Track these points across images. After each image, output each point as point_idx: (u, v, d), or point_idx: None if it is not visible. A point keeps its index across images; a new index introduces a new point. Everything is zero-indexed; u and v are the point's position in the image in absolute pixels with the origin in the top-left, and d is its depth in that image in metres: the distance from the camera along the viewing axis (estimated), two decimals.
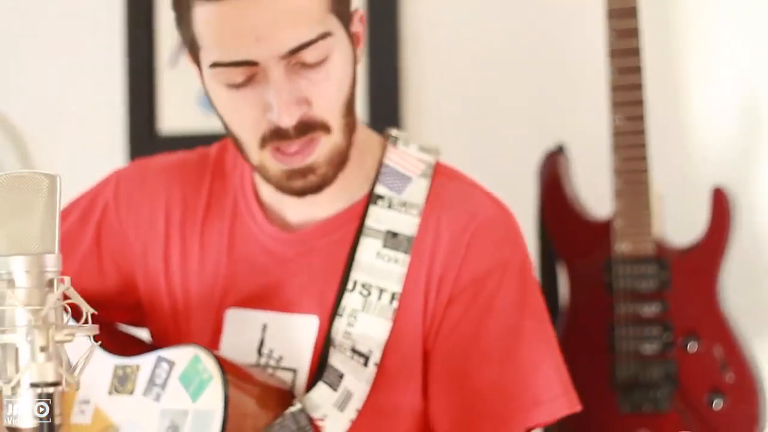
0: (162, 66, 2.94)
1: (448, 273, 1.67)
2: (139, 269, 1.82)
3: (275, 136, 1.60)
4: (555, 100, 2.56)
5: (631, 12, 2.28)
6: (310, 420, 1.64)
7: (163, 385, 1.64)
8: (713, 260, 2.28)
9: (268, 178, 1.66)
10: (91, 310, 1.23)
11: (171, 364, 1.64)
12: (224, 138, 1.81)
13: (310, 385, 1.67)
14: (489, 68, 2.60)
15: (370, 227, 1.69)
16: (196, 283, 1.76)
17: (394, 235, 1.68)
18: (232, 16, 1.58)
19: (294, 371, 1.69)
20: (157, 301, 1.81)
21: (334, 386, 1.64)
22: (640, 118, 2.29)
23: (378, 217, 1.70)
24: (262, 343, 1.71)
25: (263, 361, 1.70)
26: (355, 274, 1.68)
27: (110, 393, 1.70)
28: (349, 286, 1.67)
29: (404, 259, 1.67)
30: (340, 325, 1.66)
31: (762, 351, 2.34)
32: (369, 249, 1.68)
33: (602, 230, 2.35)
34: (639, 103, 2.29)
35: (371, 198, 1.71)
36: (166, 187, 1.81)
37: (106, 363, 1.74)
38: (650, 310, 2.31)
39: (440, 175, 1.73)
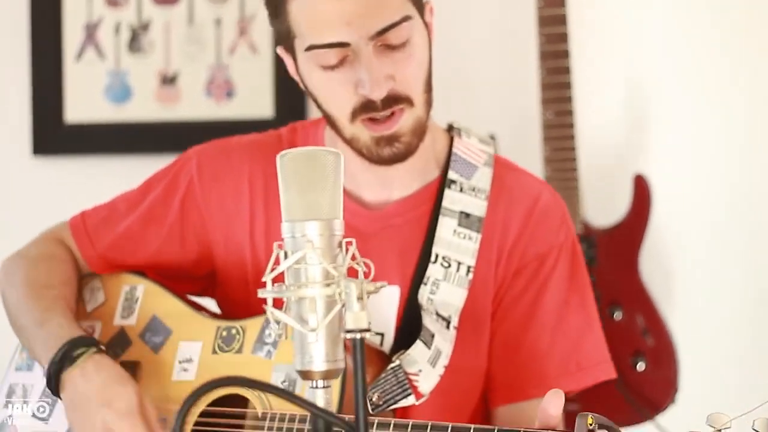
0: (68, 59, 3.00)
1: (516, 249, 1.90)
2: (218, 241, 1.95)
3: (365, 109, 1.79)
4: (487, 96, 2.83)
5: (561, 19, 2.60)
6: (406, 375, 1.83)
7: (274, 344, 1.80)
8: (635, 238, 2.62)
9: (359, 149, 1.83)
10: (363, 269, 1.40)
11: (282, 324, 1.81)
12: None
13: (396, 346, 1.87)
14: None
15: (447, 208, 1.90)
16: None
17: (467, 215, 1.90)
18: (325, 4, 1.76)
19: (382, 335, 1.88)
20: (240, 271, 1.94)
21: (428, 344, 1.84)
22: (568, 113, 2.61)
23: (452, 199, 1.91)
24: None
25: None
26: (437, 248, 1.88)
27: (214, 353, 1.84)
28: (432, 258, 1.89)
29: (477, 236, 1.89)
30: (424, 293, 1.87)
31: (673, 319, 2.71)
32: (447, 227, 1.90)
33: None
34: (567, 99, 2.60)
35: (444, 182, 1.93)
36: (249, 163, 1.95)
37: (204, 324, 1.88)
38: None
39: (499, 164, 1.97)
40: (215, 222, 1.95)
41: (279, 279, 1.35)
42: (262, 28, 2.97)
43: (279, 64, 2.85)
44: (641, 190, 2.64)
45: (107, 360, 1.79)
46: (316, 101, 1.86)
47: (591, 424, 1.53)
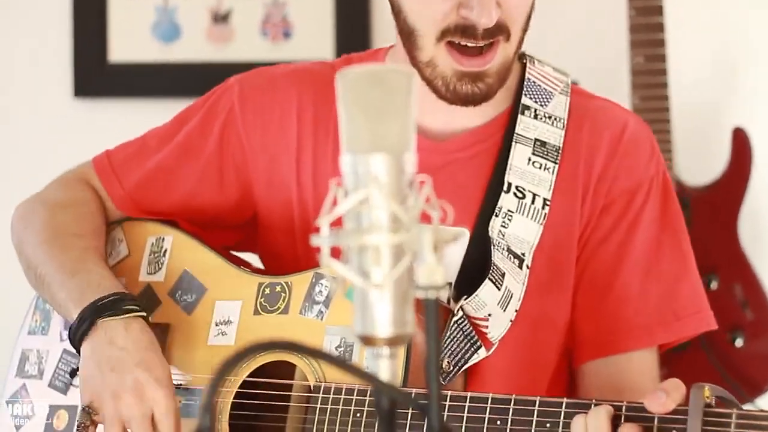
0: None
1: (601, 184, 1.71)
2: (260, 180, 1.75)
3: (461, 32, 1.61)
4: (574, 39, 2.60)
5: None
6: (472, 323, 1.64)
7: (326, 303, 1.60)
8: (734, 199, 2.37)
9: (432, 78, 1.64)
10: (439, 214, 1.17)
11: (333, 279, 1.60)
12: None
13: (458, 291, 1.68)
14: None
15: (520, 134, 1.72)
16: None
17: (543, 143, 1.71)
18: None
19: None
20: (284, 218, 1.74)
21: (498, 284, 1.66)
22: (660, 57, 2.35)
23: (526, 126, 1.72)
24: None
25: None
26: (510, 177, 1.70)
27: (256, 313, 1.64)
28: (505, 187, 1.69)
29: (553, 167, 1.71)
30: (495, 225, 1.69)
31: None
32: (521, 154, 1.71)
33: None
34: (660, 43, 2.35)
35: (517, 108, 1.74)
36: (297, 92, 1.76)
37: (243, 281, 1.66)
38: None
39: (577, 93, 1.78)
40: (258, 158, 1.75)
41: (336, 224, 1.14)
42: None
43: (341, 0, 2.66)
44: (741, 145, 2.38)
45: (150, 328, 1.63)
46: (398, 12, 1.67)
47: (708, 398, 1.38)
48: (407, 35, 1.66)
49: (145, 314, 1.63)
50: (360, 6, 2.74)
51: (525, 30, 1.67)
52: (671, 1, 2.45)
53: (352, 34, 2.73)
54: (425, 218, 1.16)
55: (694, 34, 2.57)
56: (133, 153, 1.81)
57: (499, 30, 1.61)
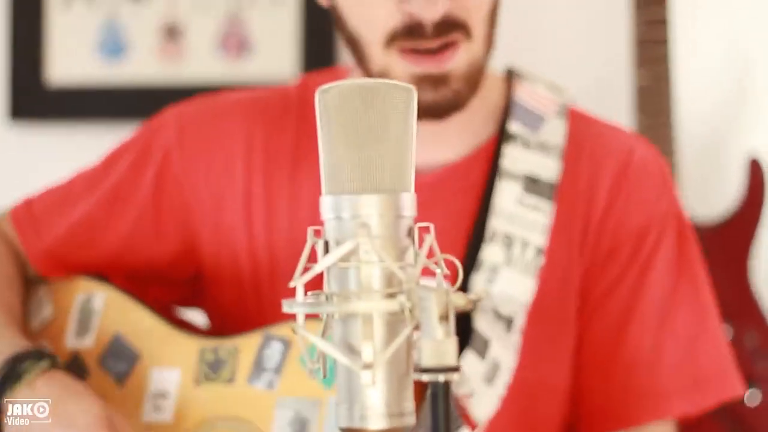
0: (53, 7, 2.55)
1: (606, 223, 1.46)
2: (204, 229, 1.49)
3: (408, 33, 1.37)
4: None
5: None
6: (456, 401, 1.38)
7: (277, 370, 1.34)
8: (746, 237, 2.13)
9: None
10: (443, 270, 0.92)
11: (286, 343, 1.34)
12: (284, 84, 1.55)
13: None
14: None
15: (507, 169, 1.46)
16: (287, 242, 1.46)
17: (534, 179, 1.46)
18: None
19: None
20: (233, 266, 1.49)
21: (481, 354, 1.39)
22: (664, 78, 2.12)
23: (514, 158, 1.47)
24: None
25: None
26: (495, 222, 1.44)
27: (197, 383, 1.38)
28: (488, 235, 1.43)
29: (548, 207, 1.45)
30: (477, 282, 1.42)
31: None
32: (507, 194, 1.45)
33: None
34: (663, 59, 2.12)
35: (503, 136, 1.48)
36: (245, 126, 1.51)
37: (182, 345, 1.41)
38: None
39: (574, 115, 1.52)
40: (200, 203, 1.50)
41: (315, 284, 0.90)
42: None
43: (306, 11, 2.41)
44: (756, 179, 2.12)
45: (61, 375, 1.34)
46: (340, 22, 1.43)
47: None
48: (354, 46, 1.42)
49: (47, 362, 1.35)
50: (326, 20, 2.48)
51: (492, 26, 1.42)
52: (678, 14, 2.21)
53: (318, 50, 2.48)
54: (426, 274, 0.92)
55: (701, 50, 2.31)
56: (55, 202, 1.55)
57: (455, 26, 1.37)
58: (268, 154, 1.49)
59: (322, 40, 2.49)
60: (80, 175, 1.55)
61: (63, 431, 1.30)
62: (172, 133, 1.51)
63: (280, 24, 2.51)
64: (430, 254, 0.90)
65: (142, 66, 2.55)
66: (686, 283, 1.48)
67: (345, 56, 2.45)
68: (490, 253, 1.43)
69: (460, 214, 1.46)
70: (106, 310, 1.47)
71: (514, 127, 1.48)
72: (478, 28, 1.39)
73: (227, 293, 1.50)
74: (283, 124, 1.50)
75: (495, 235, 1.43)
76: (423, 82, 1.37)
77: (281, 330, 1.36)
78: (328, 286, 0.90)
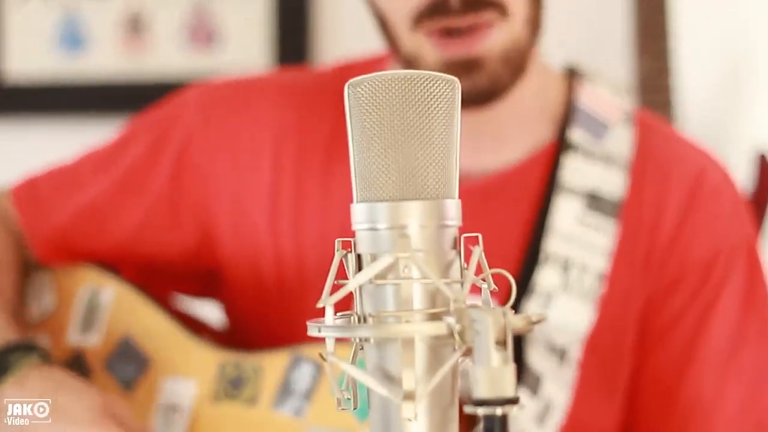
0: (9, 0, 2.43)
1: (672, 250, 1.32)
2: (225, 224, 1.36)
3: (435, 10, 1.24)
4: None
5: None
6: None
7: (307, 396, 1.22)
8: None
9: None
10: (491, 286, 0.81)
11: (318, 366, 1.22)
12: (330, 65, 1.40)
13: None
14: None
15: (567, 182, 1.32)
16: (318, 243, 1.33)
17: (596, 196, 1.32)
18: None
19: None
20: (255, 269, 1.36)
21: (533, 390, 1.27)
22: (664, 70, 2.03)
23: (575, 170, 1.33)
24: None
25: None
26: (551, 243, 1.30)
27: (216, 398, 1.26)
28: (543, 256, 1.30)
29: (610, 227, 1.31)
30: (530, 308, 1.29)
31: None
32: (566, 211, 1.31)
33: None
34: (663, 51, 2.02)
35: (563, 144, 1.34)
36: (276, 114, 1.37)
37: (200, 355, 1.29)
38: None
39: (642, 124, 1.38)
40: (222, 196, 1.36)
41: (345, 303, 0.79)
42: None
43: (278, 1, 2.29)
44: (765, 174, 2.02)
45: (54, 370, 1.23)
46: (369, 1, 1.31)
47: None
48: (383, 28, 1.30)
49: (38, 355, 1.24)
50: (298, 10, 2.37)
51: (536, 4, 1.28)
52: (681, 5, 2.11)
53: (291, 42, 2.37)
54: (474, 291, 0.80)
55: (703, 39, 2.22)
56: (63, 184, 1.41)
57: (486, 2, 1.24)
58: (300, 146, 1.35)
59: (295, 31, 2.37)
60: (89, 155, 1.42)
61: (64, 428, 1.18)
62: (195, 116, 1.38)
63: (250, 14, 2.40)
64: (479, 269, 0.79)
65: (105, 60, 2.43)
66: (754, 320, 1.35)
67: (319, 48, 2.34)
68: (544, 276, 1.30)
69: (511, 230, 1.32)
70: (115, 307, 1.34)
71: (575, 134, 1.35)
72: (516, 5, 1.25)
73: (249, 296, 1.38)
74: (319, 112, 1.37)
75: (551, 256, 1.30)
76: (454, 68, 1.23)
77: (313, 350, 1.24)
78: (360, 306, 0.78)
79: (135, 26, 2.42)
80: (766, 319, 1.36)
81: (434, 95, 0.78)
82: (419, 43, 1.25)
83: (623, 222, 1.32)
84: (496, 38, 1.25)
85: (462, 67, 1.24)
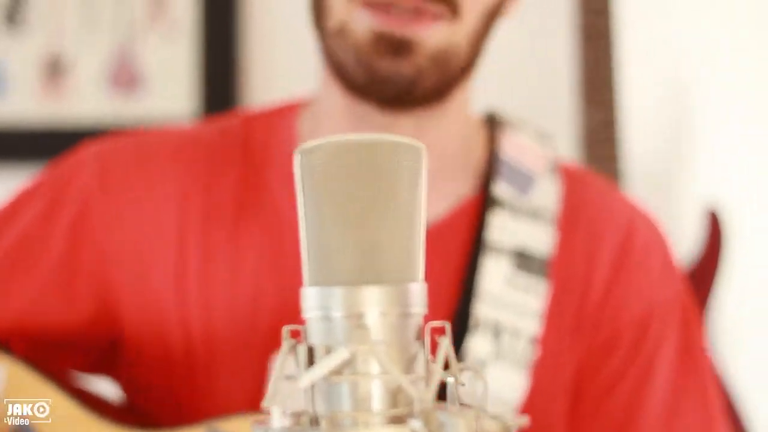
0: None
1: (604, 309, 1.24)
2: (128, 294, 1.25)
3: None
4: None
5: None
6: None
7: None
8: (702, 294, 1.96)
9: (344, 52, 1.16)
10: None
11: None
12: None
13: None
14: None
15: (494, 242, 1.23)
16: (228, 313, 1.23)
17: (525, 254, 1.23)
18: None
19: None
20: (160, 340, 1.25)
21: None
22: (610, 122, 1.96)
23: (501, 228, 1.24)
24: None
25: None
26: (480, 309, 1.20)
27: None
28: (472, 323, 1.20)
29: (541, 287, 1.22)
30: (462, 381, 1.19)
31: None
32: (494, 273, 1.22)
33: None
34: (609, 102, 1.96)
35: (488, 200, 1.25)
36: (179, 172, 1.26)
37: None
38: None
39: (567, 175, 1.30)
40: (123, 265, 1.24)
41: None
42: None
43: (205, 45, 2.19)
44: (715, 233, 1.95)
45: None
46: None
47: None
48: (315, 7, 1.19)
49: None
50: (226, 55, 2.27)
51: (486, 23, 1.18)
52: (624, 51, 2.04)
53: (217, 87, 2.26)
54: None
55: (646, 90, 2.15)
56: None
57: None
58: (206, 205, 1.25)
59: (222, 76, 2.27)
60: None
61: None
62: (92, 177, 1.26)
63: (175, 57, 2.29)
64: (447, 365, 0.69)
65: (21, 104, 2.30)
66: (693, 378, 1.27)
67: (248, 92, 2.25)
68: (475, 344, 1.20)
69: (437, 294, 1.22)
70: (7, 388, 1.21)
71: (500, 188, 1.26)
72: (468, 10, 1.15)
73: (154, 370, 1.27)
74: (225, 167, 1.26)
75: (481, 322, 1.20)
76: (383, 41, 1.13)
77: (232, 426, 1.13)
78: (312, 405, 0.68)
79: (54, 69, 2.30)
80: (705, 376, 1.29)
81: (399, 163, 0.69)
82: (352, 9, 1.14)
83: (553, 281, 1.23)
84: (436, 34, 1.14)
85: (391, 46, 1.13)
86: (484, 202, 1.25)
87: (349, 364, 0.67)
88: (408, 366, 0.68)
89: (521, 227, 1.24)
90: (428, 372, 0.69)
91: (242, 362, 1.22)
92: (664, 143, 2.15)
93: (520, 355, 1.21)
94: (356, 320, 0.67)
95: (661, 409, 1.25)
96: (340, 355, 0.67)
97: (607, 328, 1.24)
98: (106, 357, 1.31)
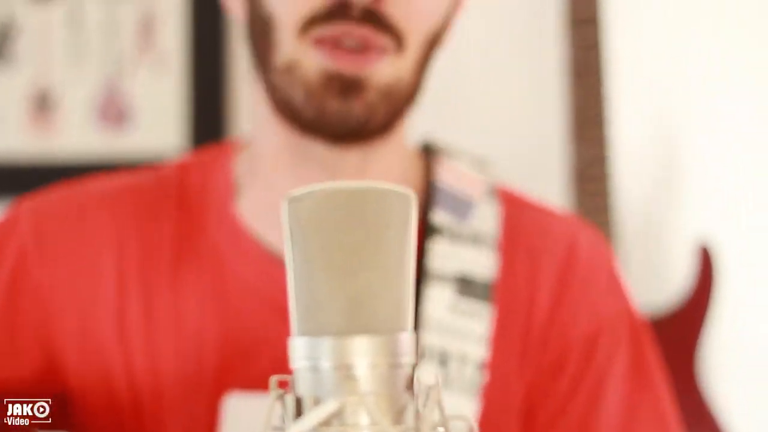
0: None
1: (550, 329, 1.23)
2: (71, 347, 1.24)
3: (333, 14, 1.13)
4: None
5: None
6: None
7: None
8: (693, 332, 1.94)
9: (291, 87, 1.15)
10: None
11: None
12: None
13: None
14: None
15: (435, 270, 1.22)
16: (173, 358, 1.22)
17: (467, 280, 1.23)
18: None
19: None
20: (106, 391, 1.23)
21: None
22: (602, 158, 1.95)
23: (442, 256, 1.23)
24: None
25: None
26: (426, 337, 1.20)
27: None
28: (419, 353, 1.18)
29: (485, 312, 1.22)
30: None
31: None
32: (438, 300, 1.21)
33: None
34: (600, 139, 1.95)
35: (427, 229, 1.24)
36: (115, 222, 1.25)
37: None
38: None
39: (506, 198, 1.30)
40: (64, 318, 1.23)
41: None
42: (170, 31, 2.28)
43: (193, 80, 2.19)
44: (706, 270, 1.94)
45: None
46: (253, 3, 1.19)
47: None
48: (262, 34, 1.18)
49: None
50: (214, 90, 2.26)
51: (427, 52, 1.19)
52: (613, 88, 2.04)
53: (206, 122, 2.25)
54: None
55: (635, 128, 2.15)
56: None
57: (386, 26, 1.13)
58: (144, 253, 1.24)
59: (211, 110, 2.27)
60: None
61: None
62: (26, 235, 1.25)
63: (164, 91, 2.28)
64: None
65: (9, 139, 2.30)
66: (646, 395, 1.27)
67: (236, 128, 2.24)
68: (423, 373, 1.20)
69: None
70: None
71: (438, 216, 1.25)
72: (412, 42, 1.15)
73: (101, 421, 1.25)
74: (161, 215, 1.26)
75: (427, 351, 1.20)
76: (334, 81, 1.13)
77: None
78: None
79: (42, 103, 2.29)
80: (657, 393, 1.27)
81: (389, 212, 0.68)
82: (304, 48, 1.14)
83: (497, 304, 1.23)
84: (384, 69, 1.14)
85: (342, 85, 1.13)
86: (423, 231, 1.24)
87: (337, 415, 0.66)
88: (398, 417, 0.67)
89: (462, 253, 1.24)
90: (417, 423, 0.68)
91: (190, 407, 1.20)
92: (655, 179, 2.14)
93: (469, 382, 1.20)
94: (345, 371, 0.66)
95: (615, 425, 1.24)
96: (329, 407, 0.66)
97: (555, 347, 1.23)
98: (56, 410, 1.30)
